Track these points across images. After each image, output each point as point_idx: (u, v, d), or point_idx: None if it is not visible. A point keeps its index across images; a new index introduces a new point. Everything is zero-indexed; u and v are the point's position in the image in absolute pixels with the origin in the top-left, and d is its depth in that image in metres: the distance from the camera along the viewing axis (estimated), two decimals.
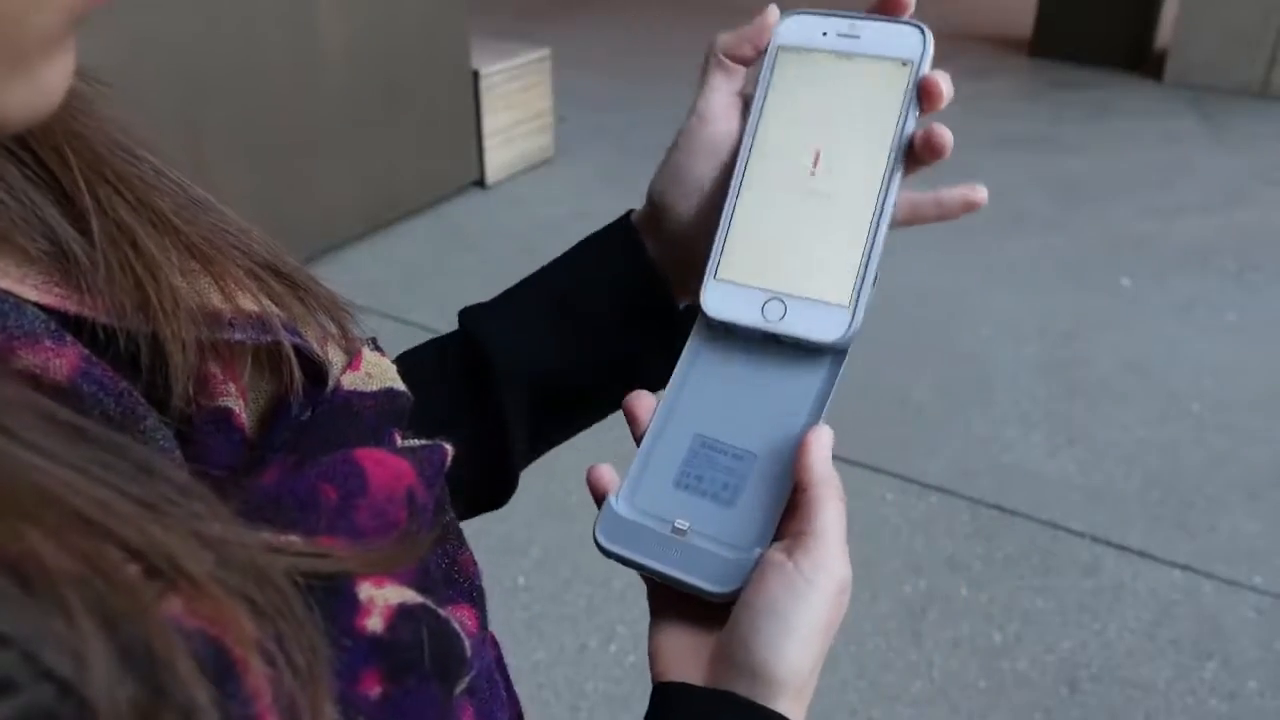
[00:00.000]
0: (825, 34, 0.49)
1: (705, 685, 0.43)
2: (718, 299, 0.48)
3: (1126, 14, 5.74)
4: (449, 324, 0.58)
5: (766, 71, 0.50)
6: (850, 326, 0.46)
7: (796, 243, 0.47)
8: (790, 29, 0.50)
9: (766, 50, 0.50)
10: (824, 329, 0.46)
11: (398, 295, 3.28)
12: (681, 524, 0.46)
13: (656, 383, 0.54)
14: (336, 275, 3.45)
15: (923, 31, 0.47)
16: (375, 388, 0.40)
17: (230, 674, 0.24)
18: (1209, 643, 2.03)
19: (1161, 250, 3.63)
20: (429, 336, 0.58)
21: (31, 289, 0.31)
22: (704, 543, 0.45)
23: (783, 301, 0.47)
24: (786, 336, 0.47)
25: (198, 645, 0.24)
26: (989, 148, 4.57)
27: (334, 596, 0.31)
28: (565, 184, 4.16)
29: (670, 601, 0.46)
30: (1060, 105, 5.16)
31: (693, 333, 0.50)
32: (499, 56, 4.03)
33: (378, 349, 0.43)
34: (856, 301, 0.47)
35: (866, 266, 0.47)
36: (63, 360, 0.29)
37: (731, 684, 0.42)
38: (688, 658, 0.44)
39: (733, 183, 0.49)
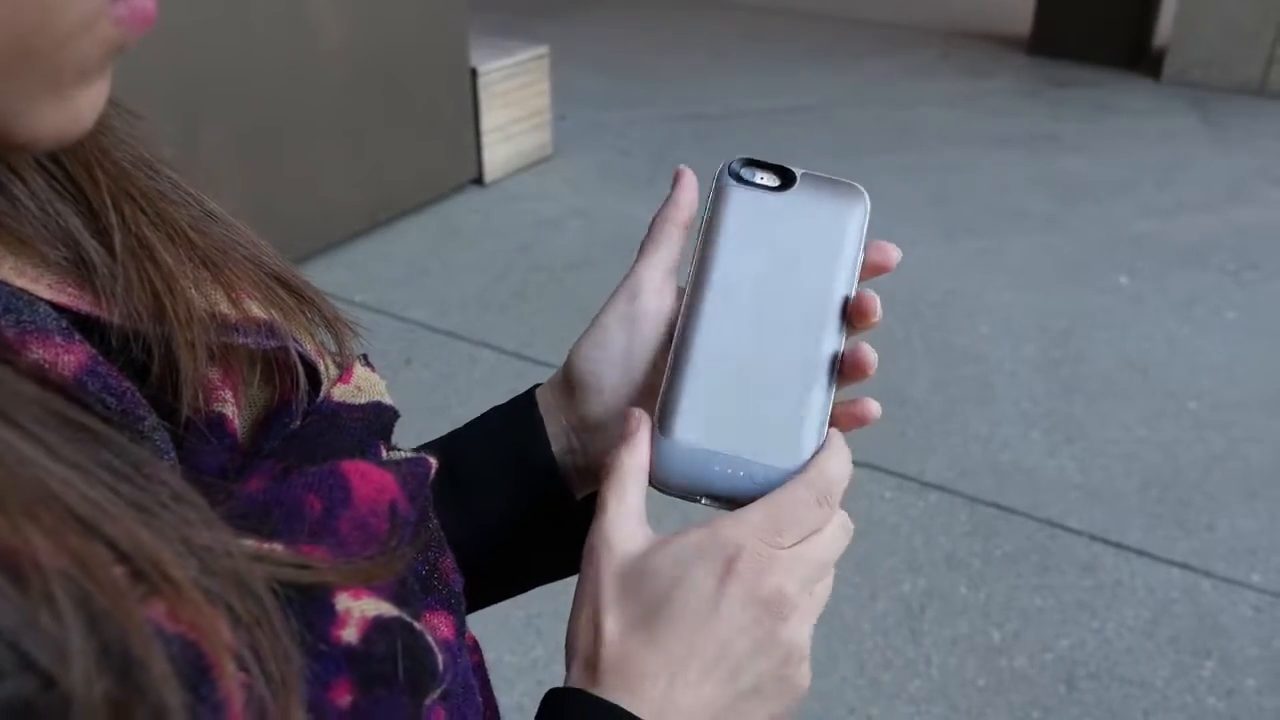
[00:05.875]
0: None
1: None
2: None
3: (1125, 12, 5.74)
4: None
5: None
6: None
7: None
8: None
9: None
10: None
11: (396, 292, 3.26)
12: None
13: (551, 571, 0.53)
14: (335, 272, 3.45)
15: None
16: (363, 400, 0.41)
17: (206, 678, 0.25)
18: (1207, 641, 2.03)
19: (1160, 249, 3.63)
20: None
21: (46, 288, 0.32)
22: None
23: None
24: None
25: (177, 649, 0.25)
26: (988, 146, 4.57)
27: (312, 605, 0.31)
28: (564, 182, 4.15)
29: None
30: (1059, 104, 5.16)
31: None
32: (498, 54, 4.02)
33: (368, 365, 0.44)
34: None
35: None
36: (71, 356, 0.31)
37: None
38: None
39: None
